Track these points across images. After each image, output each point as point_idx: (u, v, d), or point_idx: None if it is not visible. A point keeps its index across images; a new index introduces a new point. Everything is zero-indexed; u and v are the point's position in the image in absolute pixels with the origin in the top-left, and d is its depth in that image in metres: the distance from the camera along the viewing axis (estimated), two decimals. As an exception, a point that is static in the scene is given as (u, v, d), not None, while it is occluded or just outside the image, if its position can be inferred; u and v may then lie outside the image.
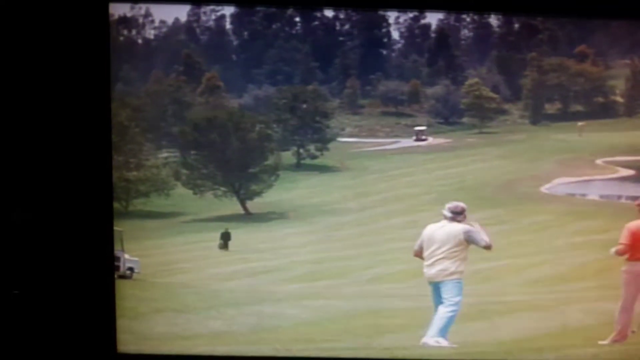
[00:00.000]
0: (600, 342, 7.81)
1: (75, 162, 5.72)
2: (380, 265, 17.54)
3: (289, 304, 11.80)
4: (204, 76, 28.58)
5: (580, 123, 30.66)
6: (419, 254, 8.21)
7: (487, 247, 7.84)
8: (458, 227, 7.92)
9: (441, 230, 7.96)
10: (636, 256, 8.05)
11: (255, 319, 10.29)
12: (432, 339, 7.85)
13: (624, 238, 8.01)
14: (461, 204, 8.17)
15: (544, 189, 26.07)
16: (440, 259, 7.89)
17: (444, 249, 7.85)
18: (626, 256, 8.04)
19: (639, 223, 8.10)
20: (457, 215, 8.10)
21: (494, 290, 11.62)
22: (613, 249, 8.17)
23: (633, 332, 7.92)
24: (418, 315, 10.74)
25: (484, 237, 7.90)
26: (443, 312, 7.87)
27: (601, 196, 25.62)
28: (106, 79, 5.82)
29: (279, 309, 11.22)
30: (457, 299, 7.91)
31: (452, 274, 7.95)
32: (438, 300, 8.00)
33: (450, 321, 7.93)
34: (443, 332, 7.91)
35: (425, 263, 7.99)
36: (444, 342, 7.85)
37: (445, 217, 8.08)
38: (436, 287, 7.98)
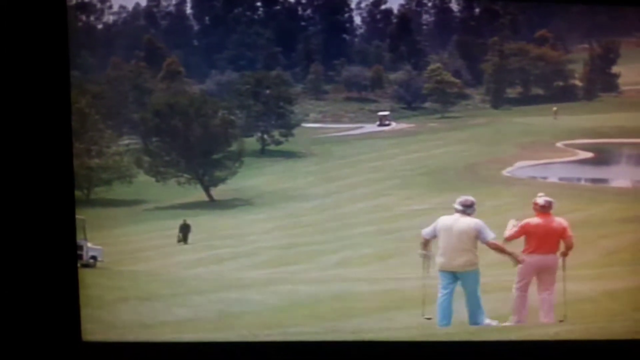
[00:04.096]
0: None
1: (34, 150, 5.59)
2: (346, 249, 17.60)
3: (255, 290, 11.77)
4: (164, 61, 28.25)
5: (554, 107, 31.25)
6: (428, 242, 8.36)
7: (490, 243, 8.07)
8: (471, 221, 8.12)
9: (458, 224, 8.10)
10: (529, 249, 8.32)
11: (221, 306, 10.23)
12: (485, 320, 8.10)
13: (517, 229, 8.28)
14: (470, 198, 8.32)
15: (506, 172, 26.47)
16: (464, 250, 8.05)
17: (465, 242, 8.01)
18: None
19: (535, 221, 8.32)
20: (467, 208, 8.25)
21: (458, 272, 11.79)
22: (512, 222, 8.39)
23: (561, 321, 8.16)
24: (384, 298, 10.84)
25: (491, 233, 8.15)
26: (476, 297, 8.10)
27: (561, 179, 26.18)
28: (65, 66, 5.67)
29: (245, 295, 11.18)
30: (478, 284, 8.20)
31: (474, 264, 8.16)
32: (451, 287, 8.19)
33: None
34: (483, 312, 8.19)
35: (443, 253, 8.12)
36: (493, 322, 8.17)
37: (457, 211, 8.23)
38: (454, 276, 8.16)
